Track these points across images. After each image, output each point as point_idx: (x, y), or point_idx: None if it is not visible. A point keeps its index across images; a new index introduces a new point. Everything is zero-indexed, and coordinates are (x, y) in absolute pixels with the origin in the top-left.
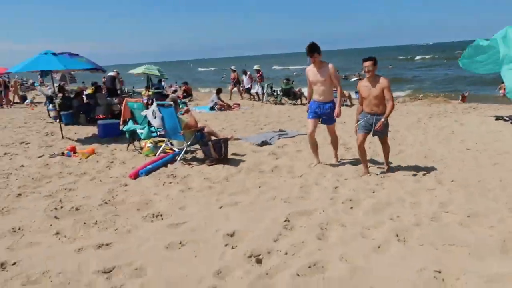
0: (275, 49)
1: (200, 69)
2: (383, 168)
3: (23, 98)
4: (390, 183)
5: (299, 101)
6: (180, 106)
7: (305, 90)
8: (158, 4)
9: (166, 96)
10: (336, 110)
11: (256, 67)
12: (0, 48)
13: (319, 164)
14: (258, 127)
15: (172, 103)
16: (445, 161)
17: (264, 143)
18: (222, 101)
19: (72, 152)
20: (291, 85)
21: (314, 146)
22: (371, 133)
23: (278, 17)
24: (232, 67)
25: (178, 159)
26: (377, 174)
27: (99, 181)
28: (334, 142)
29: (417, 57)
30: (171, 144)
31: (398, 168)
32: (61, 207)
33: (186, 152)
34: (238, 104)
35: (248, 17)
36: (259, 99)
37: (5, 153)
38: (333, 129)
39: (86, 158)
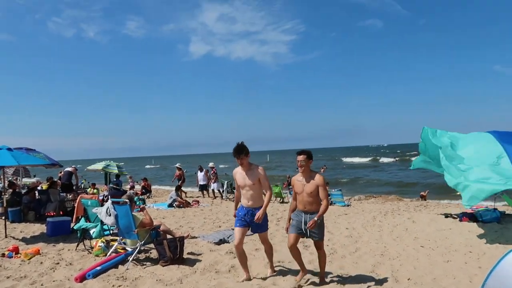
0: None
1: (147, 166)
2: (341, 272)
3: None
4: (349, 283)
5: None
6: (138, 203)
7: None
8: (115, 105)
9: (124, 192)
10: (259, 212)
11: (211, 164)
12: None
13: (247, 280)
14: (216, 225)
15: (127, 200)
16: (401, 259)
17: (221, 241)
18: (181, 198)
19: (14, 253)
20: None
21: (243, 258)
22: (305, 234)
23: (231, 117)
24: (177, 165)
25: (130, 259)
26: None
27: (40, 285)
28: (269, 252)
29: (370, 158)
30: (124, 243)
31: (356, 266)
32: None
33: (139, 252)
34: (197, 201)
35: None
36: (215, 197)
37: None
38: (266, 237)
39: (29, 259)
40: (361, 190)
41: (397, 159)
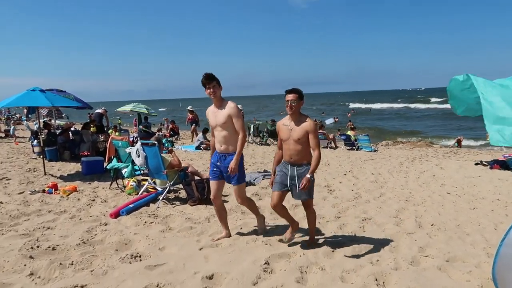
0: (260, 91)
1: (160, 109)
2: (364, 216)
3: (8, 132)
4: (371, 227)
5: None
6: (166, 145)
7: None
8: (144, 46)
9: (153, 134)
10: (231, 164)
11: (239, 107)
12: None
13: (227, 237)
14: None
15: (156, 142)
16: (425, 205)
17: (248, 184)
18: (208, 141)
19: (53, 189)
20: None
21: (222, 214)
22: (291, 191)
23: (264, 59)
24: (189, 108)
25: (161, 198)
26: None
27: (79, 219)
28: (247, 208)
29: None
30: (154, 183)
31: (379, 211)
32: (38, 246)
33: (169, 192)
34: None
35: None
36: None
37: None
38: (241, 192)
39: (68, 195)
40: (387, 136)
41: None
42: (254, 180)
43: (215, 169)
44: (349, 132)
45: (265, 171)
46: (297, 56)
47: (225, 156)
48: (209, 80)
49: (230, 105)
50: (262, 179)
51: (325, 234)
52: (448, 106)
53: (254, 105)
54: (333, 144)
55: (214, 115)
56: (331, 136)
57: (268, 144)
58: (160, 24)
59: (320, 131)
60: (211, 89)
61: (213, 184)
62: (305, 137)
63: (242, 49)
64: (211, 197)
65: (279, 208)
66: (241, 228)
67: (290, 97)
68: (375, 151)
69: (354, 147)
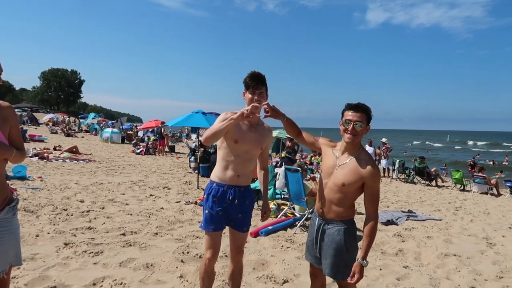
0: (403, 125)
1: None
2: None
3: (171, 149)
4: None
5: (433, 183)
6: (308, 173)
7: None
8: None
9: (295, 161)
10: (266, 206)
11: (383, 140)
12: (159, 103)
13: None
14: (384, 204)
15: (299, 168)
16: None
17: (389, 222)
18: None
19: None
20: (425, 164)
21: (210, 281)
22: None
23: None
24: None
25: (298, 224)
26: None
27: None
28: (237, 275)
29: None
30: (293, 208)
31: None
32: (187, 252)
33: (307, 219)
34: None
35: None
36: (384, 175)
37: (151, 195)
38: (242, 243)
39: None
40: None
41: None
42: (396, 220)
43: (220, 212)
44: None
45: (409, 211)
46: (453, 90)
47: (239, 190)
48: (260, 82)
49: (271, 132)
50: (406, 220)
51: None
52: None
53: (397, 139)
54: (495, 191)
55: (246, 131)
56: (493, 181)
57: (415, 183)
58: (303, 51)
59: (480, 174)
60: (256, 97)
61: (215, 237)
62: (357, 185)
63: (390, 82)
64: (208, 256)
65: (316, 283)
66: (380, 269)
67: (355, 116)
68: None
69: None
